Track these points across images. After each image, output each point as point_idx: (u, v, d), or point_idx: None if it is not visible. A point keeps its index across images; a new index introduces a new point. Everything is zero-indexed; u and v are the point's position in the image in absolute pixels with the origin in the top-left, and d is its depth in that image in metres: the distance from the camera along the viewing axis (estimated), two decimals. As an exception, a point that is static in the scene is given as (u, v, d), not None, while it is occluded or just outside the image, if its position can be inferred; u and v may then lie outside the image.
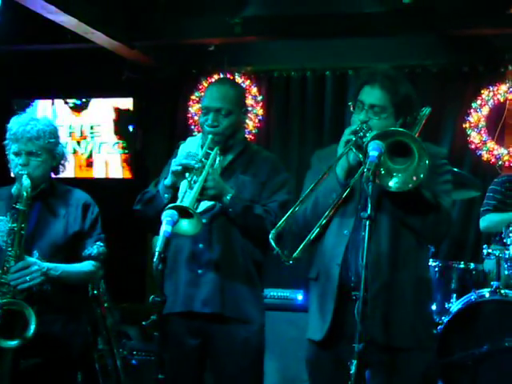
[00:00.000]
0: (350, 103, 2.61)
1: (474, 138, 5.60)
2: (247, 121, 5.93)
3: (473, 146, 5.61)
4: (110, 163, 6.21)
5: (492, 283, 4.00)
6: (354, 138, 2.45)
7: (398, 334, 2.46)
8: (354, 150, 2.45)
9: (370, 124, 2.48)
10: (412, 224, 2.47)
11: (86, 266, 2.91)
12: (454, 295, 4.28)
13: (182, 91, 6.16)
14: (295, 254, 2.38)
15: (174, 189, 2.84)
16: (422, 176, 2.31)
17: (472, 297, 3.94)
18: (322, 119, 5.96)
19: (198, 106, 5.94)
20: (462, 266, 4.39)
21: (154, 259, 2.37)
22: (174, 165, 2.81)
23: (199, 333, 2.94)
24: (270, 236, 2.39)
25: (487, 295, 3.89)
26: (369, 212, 2.23)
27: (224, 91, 2.98)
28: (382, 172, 2.34)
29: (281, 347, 4.44)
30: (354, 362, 2.16)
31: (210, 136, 2.92)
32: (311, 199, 2.53)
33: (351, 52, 5.81)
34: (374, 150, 2.29)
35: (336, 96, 5.91)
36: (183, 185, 2.81)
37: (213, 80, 5.90)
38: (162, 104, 6.26)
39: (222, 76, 5.86)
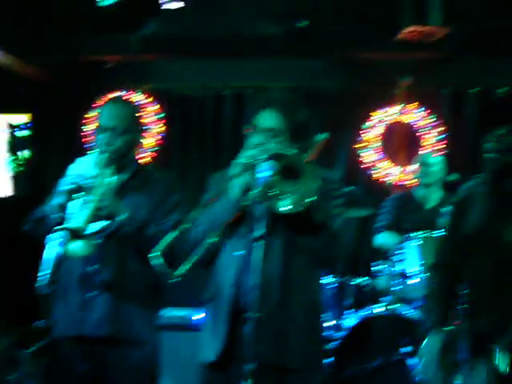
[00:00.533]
0: (247, 126, 2.63)
1: (367, 157, 5.82)
2: (148, 139, 5.92)
3: (365, 165, 5.83)
4: (5, 180, 5.99)
5: (382, 299, 4.14)
6: (248, 161, 2.47)
7: (289, 355, 2.48)
8: (248, 172, 2.48)
9: (266, 147, 2.50)
10: (303, 246, 2.51)
11: None
12: (349, 311, 4.39)
13: (79, 108, 6.04)
14: (176, 272, 2.36)
15: (64, 209, 2.78)
16: (311, 199, 2.36)
17: (364, 313, 4.05)
18: (221, 137, 6.02)
19: (96, 123, 5.85)
20: (356, 282, 4.49)
21: (39, 283, 2.30)
22: (64, 185, 2.76)
23: (91, 356, 2.87)
24: (152, 254, 2.36)
25: (378, 311, 4.02)
26: (258, 233, 2.26)
27: (119, 110, 2.98)
28: (273, 193, 2.38)
29: (178, 367, 4.40)
30: (249, 381, 2.17)
31: (104, 155, 2.89)
32: (208, 221, 2.53)
33: (250, 72, 5.92)
34: (264, 171, 2.34)
35: (235, 114, 5.99)
36: (73, 205, 2.75)
37: (110, 97, 5.85)
38: (60, 120, 6.09)
39: (117, 94, 5.80)
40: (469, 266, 2.78)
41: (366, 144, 5.82)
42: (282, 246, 2.51)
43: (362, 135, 5.82)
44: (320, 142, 2.75)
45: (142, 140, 3.16)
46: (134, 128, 2.99)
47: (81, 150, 5.72)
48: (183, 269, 2.35)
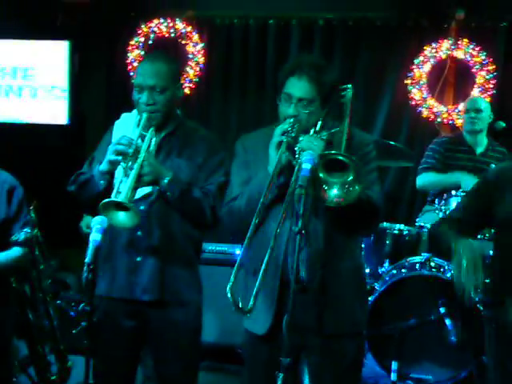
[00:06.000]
0: (278, 97, 2.55)
1: (415, 94, 5.61)
2: (188, 69, 5.81)
3: (413, 103, 5.64)
4: (46, 108, 5.98)
5: (423, 254, 4.09)
6: (285, 140, 2.42)
7: (335, 321, 2.51)
8: (286, 152, 2.42)
9: (300, 118, 2.47)
10: (345, 222, 2.49)
11: (14, 252, 2.85)
12: (387, 260, 4.38)
13: (120, 35, 5.93)
14: None
15: (110, 175, 2.76)
16: (358, 189, 2.30)
17: (403, 269, 4.02)
18: (264, 68, 5.86)
19: (137, 51, 5.81)
20: (395, 231, 4.44)
21: (84, 270, 2.32)
22: (110, 153, 2.72)
23: (136, 316, 2.93)
24: None
25: (418, 267, 3.99)
26: (300, 226, 2.22)
27: (157, 67, 2.86)
28: (319, 185, 2.32)
29: (219, 301, 4.46)
30: (281, 375, 2.19)
31: (144, 115, 2.82)
32: (245, 195, 2.53)
33: (295, 1, 5.69)
34: (306, 162, 2.27)
35: (278, 45, 5.82)
36: (119, 172, 2.73)
37: (152, 25, 5.75)
38: (100, 48, 6.01)
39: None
40: (498, 252, 2.72)
41: (415, 80, 5.59)
42: (324, 224, 2.48)
43: (412, 71, 5.59)
44: (349, 100, 2.65)
45: (181, 94, 3.07)
46: (173, 85, 2.90)
47: (123, 78, 5.73)
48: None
